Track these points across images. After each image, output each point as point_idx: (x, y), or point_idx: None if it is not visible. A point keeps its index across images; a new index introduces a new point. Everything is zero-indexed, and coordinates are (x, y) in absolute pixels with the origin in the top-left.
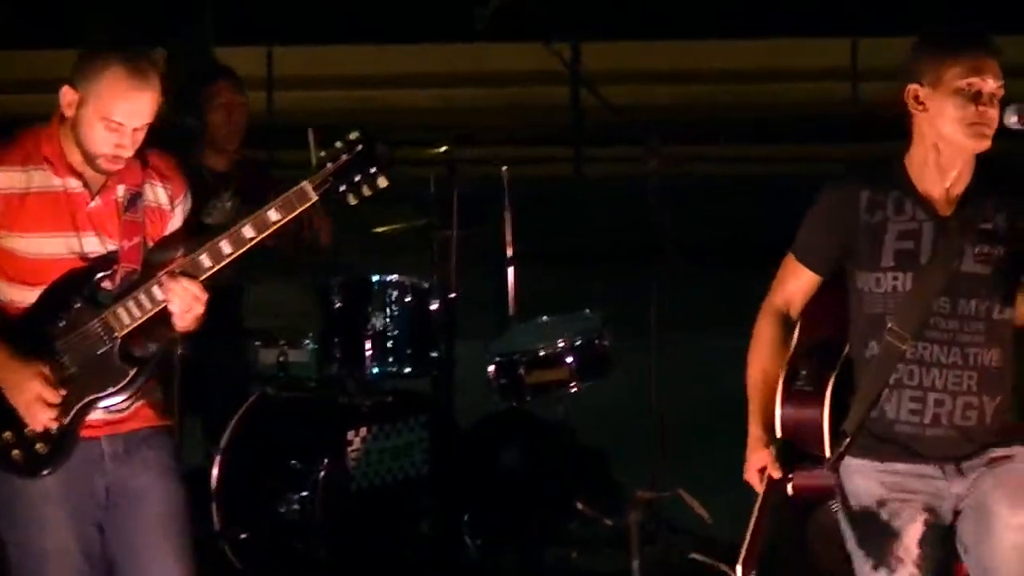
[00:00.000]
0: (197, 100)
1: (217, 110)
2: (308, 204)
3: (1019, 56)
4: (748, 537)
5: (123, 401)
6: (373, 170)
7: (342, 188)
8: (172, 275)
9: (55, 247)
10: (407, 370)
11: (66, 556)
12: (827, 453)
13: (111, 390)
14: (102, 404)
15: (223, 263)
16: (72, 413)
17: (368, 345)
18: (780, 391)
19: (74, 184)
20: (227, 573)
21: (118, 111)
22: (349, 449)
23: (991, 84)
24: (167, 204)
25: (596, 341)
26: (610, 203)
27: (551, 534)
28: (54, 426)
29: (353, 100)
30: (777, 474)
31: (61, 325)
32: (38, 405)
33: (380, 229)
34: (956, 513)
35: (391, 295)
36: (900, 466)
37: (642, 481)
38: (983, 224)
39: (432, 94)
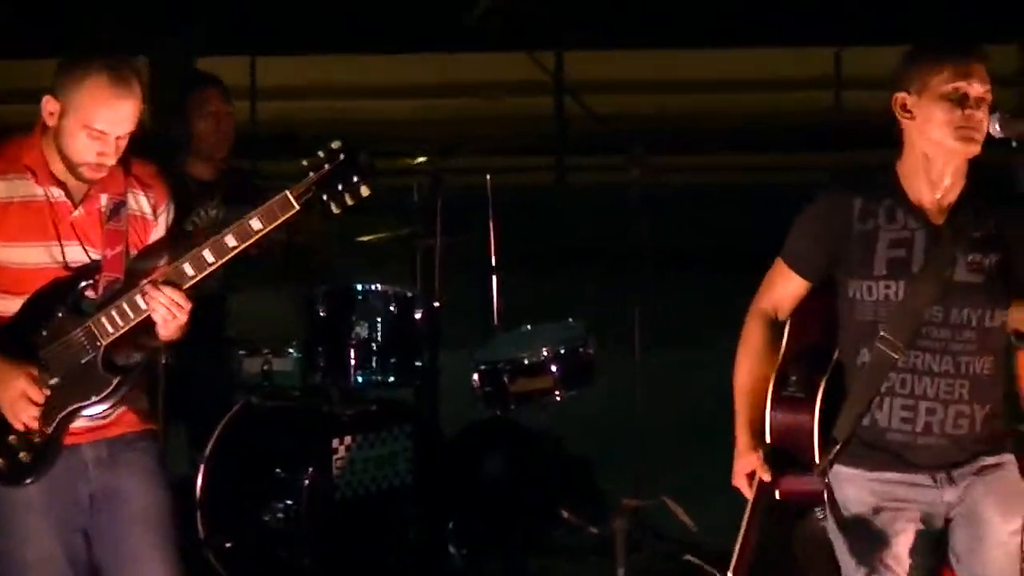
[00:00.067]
0: (183, 108)
1: (206, 118)
2: (291, 213)
3: (1005, 65)
4: (739, 543)
5: (106, 410)
6: (355, 179)
7: (325, 197)
8: (155, 284)
9: (38, 256)
10: (391, 379)
11: (48, 565)
12: (817, 459)
13: (94, 399)
14: (85, 413)
15: (206, 272)
16: (55, 422)
17: (352, 354)
18: (770, 396)
19: (56, 193)
20: None
21: (100, 119)
22: (334, 458)
23: (977, 88)
24: (150, 213)
25: (580, 349)
26: (594, 212)
27: (536, 542)
28: (35, 425)
29: (336, 110)
30: (767, 477)
31: (44, 334)
32: (23, 402)
33: (364, 238)
34: (947, 521)
35: (375, 304)
36: (891, 475)
37: (627, 489)
38: (975, 232)
39: (415, 104)
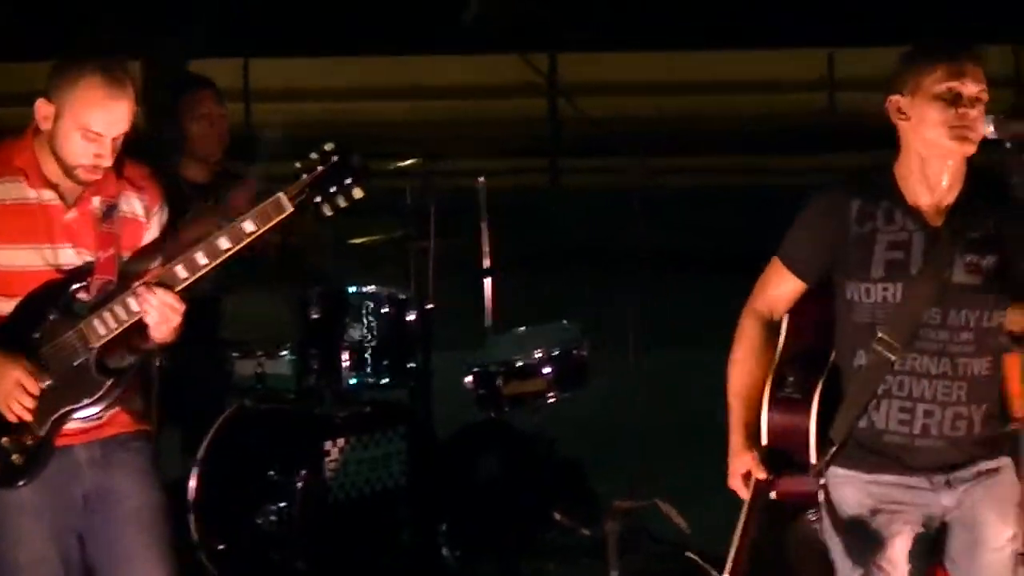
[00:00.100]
0: (176, 111)
1: (200, 120)
2: (283, 215)
3: (1002, 67)
4: (736, 544)
5: (99, 412)
6: (348, 181)
7: (317, 199)
8: (147, 286)
9: (30, 259)
10: (384, 381)
11: (41, 567)
12: (813, 461)
13: (86, 401)
14: (78, 415)
15: (198, 274)
16: (48, 424)
17: (345, 356)
18: (767, 397)
19: (49, 196)
20: None
21: (95, 121)
22: (327, 460)
23: (971, 87)
24: (143, 215)
25: (574, 351)
26: (587, 214)
27: (529, 544)
28: (29, 418)
29: (330, 112)
30: (762, 476)
31: (36, 336)
32: (18, 391)
33: (357, 240)
34: (943, 524)
35: (368, 306)
36: (888, 477)
37: (620, 491)
38: (973, 234)
39: (408, 106)
